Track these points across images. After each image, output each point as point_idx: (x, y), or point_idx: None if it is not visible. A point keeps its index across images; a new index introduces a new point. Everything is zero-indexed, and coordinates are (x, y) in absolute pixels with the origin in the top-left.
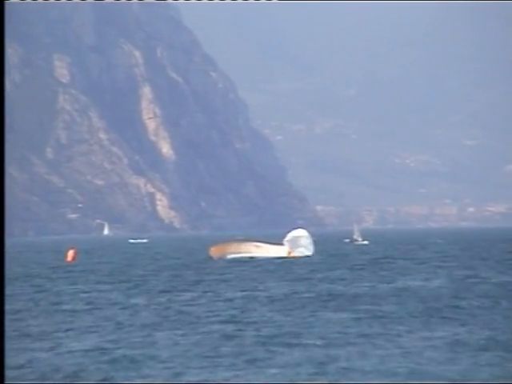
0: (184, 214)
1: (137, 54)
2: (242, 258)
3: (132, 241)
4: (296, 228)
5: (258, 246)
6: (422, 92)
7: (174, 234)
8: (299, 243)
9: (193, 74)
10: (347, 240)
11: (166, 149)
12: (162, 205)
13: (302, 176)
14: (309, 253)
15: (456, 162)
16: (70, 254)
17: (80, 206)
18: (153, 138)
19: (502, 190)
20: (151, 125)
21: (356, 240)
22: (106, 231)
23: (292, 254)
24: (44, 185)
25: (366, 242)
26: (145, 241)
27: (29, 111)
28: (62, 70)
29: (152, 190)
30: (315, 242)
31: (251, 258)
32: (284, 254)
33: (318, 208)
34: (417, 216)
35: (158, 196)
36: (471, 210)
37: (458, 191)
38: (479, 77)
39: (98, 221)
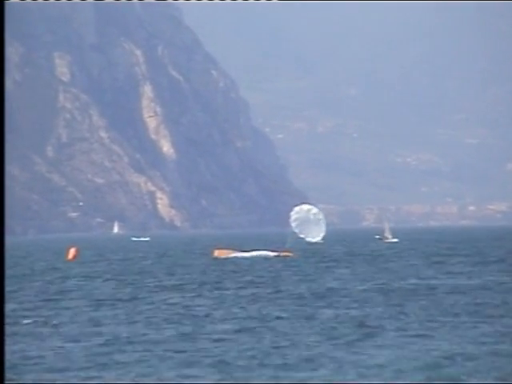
0: (185, 213)
1: (138, 52)
2: (244, 257)
3: (134, 239)
4: (299, 205)
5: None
6: (424, 91)
7: (177, 233)
8: (309, 221)
9: (194, 73)
10: (377, 237)
11: (166, 147)
12: (163, 203)
13: (303, 175)
14: (319, 237)
15: (457, 161)
16: (72, 252)
17: (81, 204)
18: (153, 136)
19: (504, 189)
20: (152, 123)
21: (386, 238)
22: (115, 229)
23: (285, 254)
24: (45, 183)
25: (395, 240)
26: (147, 239)
27: (29, 110)
28: (62, 68)
29: (153, 188)
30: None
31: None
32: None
33: (319, 207)
34: (418, 215)
35: (159, 194)
36: (472, 208)
37: (460, 190)
38: (481, 76)
39: (98, 219)
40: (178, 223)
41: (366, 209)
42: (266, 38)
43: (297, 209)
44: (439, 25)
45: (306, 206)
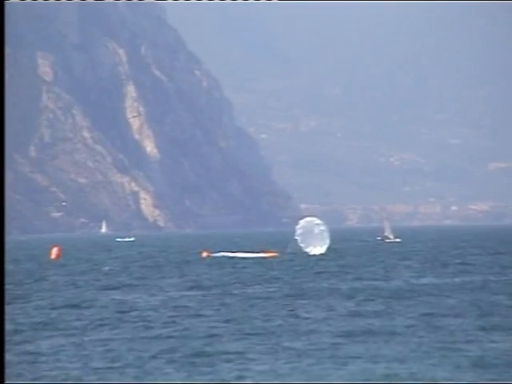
0: (168, 213)
1: (121, 52)
2: (227, 256)
3: (119, 239)
4: (305, 217)
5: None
6: (407, 91)
7: (161, 233)
8: (313, 233)
9: (177, 73)
10: (379, 238)
11: (150, 147)
12: (146, 203)
13: (286, 174)
14: (322, 249)
15: (440, 161)
16: (54, 251)
17: (64, 204)
18: (137, 136)
19: (486, 189)
20: (135, 123)
21: (388, 238)
22: (103, 229)
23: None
24: (28, 183)
25: (398, 240)
26: (132, 239)
27: (12, 109)
28: (45, 68)
29: (136, 188)
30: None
31: (233, 257)
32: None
33: (303, 206)
34: (401, 214)
35: (142, 194)
36: (455, 208)
37: (442, 189)
38: (464, 76)
39: (81, 220)
40: (161, 223)
41: (349, 208)
42: (250, 37)
43: (308, 219)
44: (422, 25)
45: (316, 220)
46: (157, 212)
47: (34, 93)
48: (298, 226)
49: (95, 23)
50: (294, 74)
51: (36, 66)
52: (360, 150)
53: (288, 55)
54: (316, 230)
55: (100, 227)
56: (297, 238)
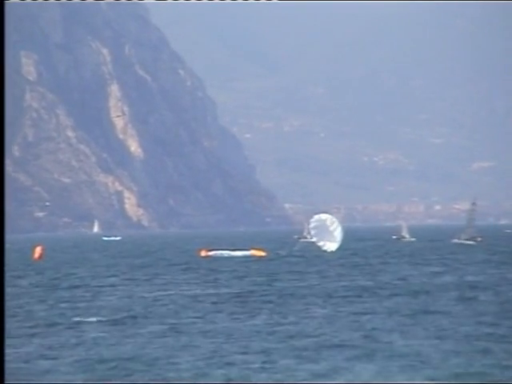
0: (152, 212)
1: (105, 51)
2: (223, 255)
3: (105, 238)
4: (318, 213)
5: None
6: (390, 91)
7: (147, 232)
8: (328, 229)
9: (161, 72)
10: (395, 237)
11: (134, 147)
12: (130, 203)
13: (270, 174)
14: (335, 245)
15: (423, 160)
16: (37, 251)
17: (47, 204)
18: (121, 135)
19: (469, 188)
20: (119, 123)
21: (404, 237)
22: (95, 229)
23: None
24: (11, 183)
25: (413, 239)
26: (118, 238)
27: None
28: (29, 67)
29: (120, 188)
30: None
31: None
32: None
33: (287, 206)
34: (384, 214)
35: (126, 194)
36: (438, 207)
37: (426, 189)
38: (446, 75)
39: (65, 219)
40: (145, 223)
41: (332, 208)
42: (234, 37)
43: (324, 215)
44: (405, 26)
45: (332, 218)
46: (141, 211)
47: (18, 92)
48: (312, 220)
49: (79, 23)
50: (278, 73)
51: (20, 66)
52: (343, 149)
53: (271, 55)
54: (331, 227)
55: (91, 227)
56: (313, 238)
